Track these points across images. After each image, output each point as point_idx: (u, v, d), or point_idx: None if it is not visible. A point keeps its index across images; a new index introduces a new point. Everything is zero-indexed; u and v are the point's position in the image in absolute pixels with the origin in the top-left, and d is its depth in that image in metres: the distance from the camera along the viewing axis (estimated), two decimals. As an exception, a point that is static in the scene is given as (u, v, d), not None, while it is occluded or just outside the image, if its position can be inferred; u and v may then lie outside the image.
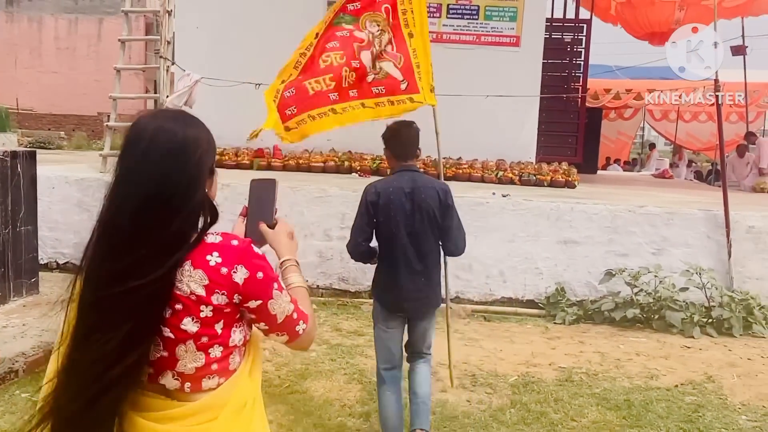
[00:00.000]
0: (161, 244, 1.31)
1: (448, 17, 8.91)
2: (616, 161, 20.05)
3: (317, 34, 3.63)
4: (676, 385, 4.53)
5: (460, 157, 8.72)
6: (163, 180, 1.32)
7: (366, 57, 3.57)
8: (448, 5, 8.91)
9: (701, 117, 20.24)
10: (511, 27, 8.88)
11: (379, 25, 3.55)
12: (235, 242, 1.40)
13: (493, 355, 5.07)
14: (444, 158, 8.49)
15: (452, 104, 8.39)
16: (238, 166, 8.41)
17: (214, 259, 1.35)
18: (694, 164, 21.07)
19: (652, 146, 22.39)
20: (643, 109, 21.17)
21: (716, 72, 6.18)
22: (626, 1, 10.50)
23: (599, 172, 14.37)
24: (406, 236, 3.24)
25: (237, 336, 1.41)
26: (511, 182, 8.27)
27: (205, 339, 1.36)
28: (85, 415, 1.29)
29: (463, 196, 6.54)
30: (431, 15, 8.92)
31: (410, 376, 3.50)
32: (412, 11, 3.51)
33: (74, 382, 1.29)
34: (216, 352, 1.38)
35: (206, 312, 1.34)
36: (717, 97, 6.28)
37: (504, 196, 6.64)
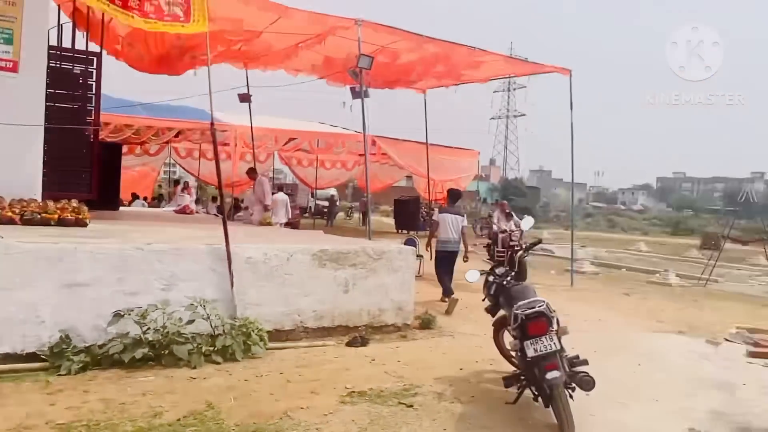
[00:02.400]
0: None
1: None
2: (144, 198, 20.04)
3: None
4: (179, 419, 4.62)
5: (-58, 194, 7.37)
6: None
7: None
8: None
9: (221, 156, 21.83)
10: (6, 50, 7.98)
11: None
12: None
13: (-27, 426, 4.34)
14: None
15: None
16: None
17: None
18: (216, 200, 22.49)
19: (177, 183, 23.13)
20: (168, 146, 21.79)
21: (212, 116, 6.70)
22: (130, 32, 10.62)
23: (122, 208, 14.08)
24: None
25: None
26: (11, 222, 7.37)
27: None
28: None
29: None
30: None
31: None
32: None
33: None
34: None
35: None
36: (213, 137, 6.79)
37: (-6, 238, 5.84)
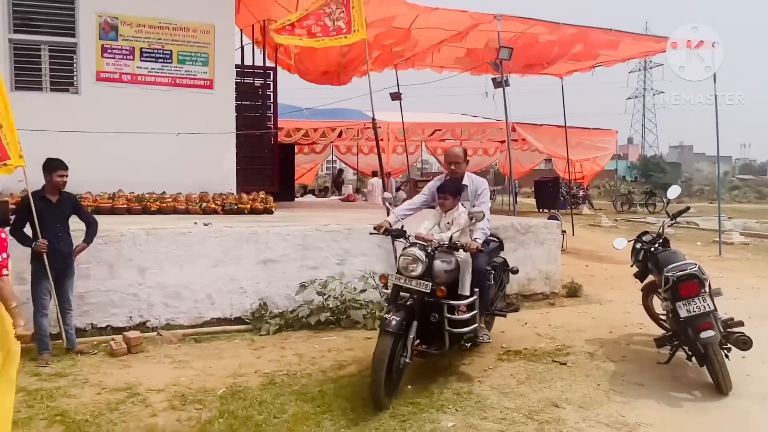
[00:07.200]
0: None
1: (141, 60, 8.56)
2: (312, 190, 21.25)
3: None
4: (361, 371, 4.97)
5: (164, 192, 8.41)
6: None
7: None
8: (141, 49, 8.56)
9: (375, 150, 22.61)
10: (204, 71, 8.88)
11: None
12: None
13: (202, 372, 4.98)
14: (148, 193, 8.23)
15: (150, 142, 8.13)
16: None
17: None
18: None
19: (341, 173, 24.15)
20: (331, 144, 22.88)
21: (373, 113, 7.02)
22: (300, 51, 11.27)
23: (297, 199, 15.07)
24: None
25: None
26: (215, 212, 8.24)
27: None
28: None
29: (166, 227, 6.34)
30: (125, 57, 8.50)
31: None
32: None
33: None
34: None
35: None
36: (375, 131, 7.10)
37: (205, 224, 6.59)
